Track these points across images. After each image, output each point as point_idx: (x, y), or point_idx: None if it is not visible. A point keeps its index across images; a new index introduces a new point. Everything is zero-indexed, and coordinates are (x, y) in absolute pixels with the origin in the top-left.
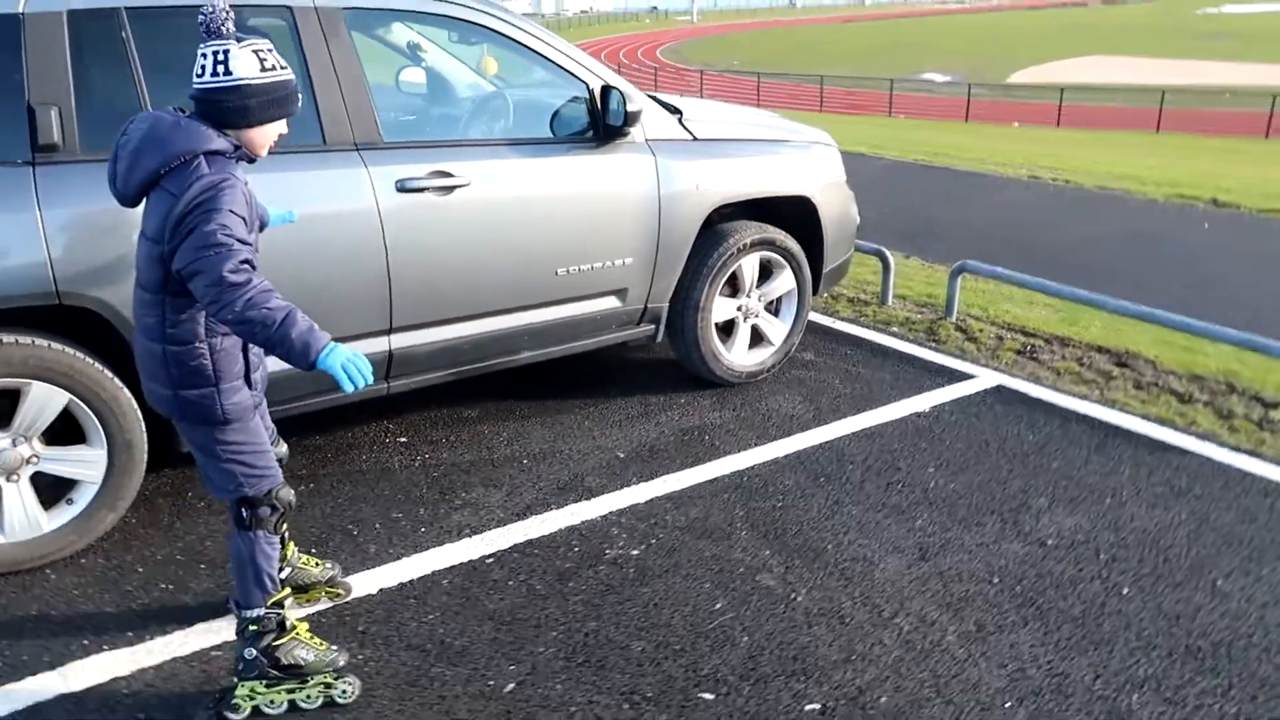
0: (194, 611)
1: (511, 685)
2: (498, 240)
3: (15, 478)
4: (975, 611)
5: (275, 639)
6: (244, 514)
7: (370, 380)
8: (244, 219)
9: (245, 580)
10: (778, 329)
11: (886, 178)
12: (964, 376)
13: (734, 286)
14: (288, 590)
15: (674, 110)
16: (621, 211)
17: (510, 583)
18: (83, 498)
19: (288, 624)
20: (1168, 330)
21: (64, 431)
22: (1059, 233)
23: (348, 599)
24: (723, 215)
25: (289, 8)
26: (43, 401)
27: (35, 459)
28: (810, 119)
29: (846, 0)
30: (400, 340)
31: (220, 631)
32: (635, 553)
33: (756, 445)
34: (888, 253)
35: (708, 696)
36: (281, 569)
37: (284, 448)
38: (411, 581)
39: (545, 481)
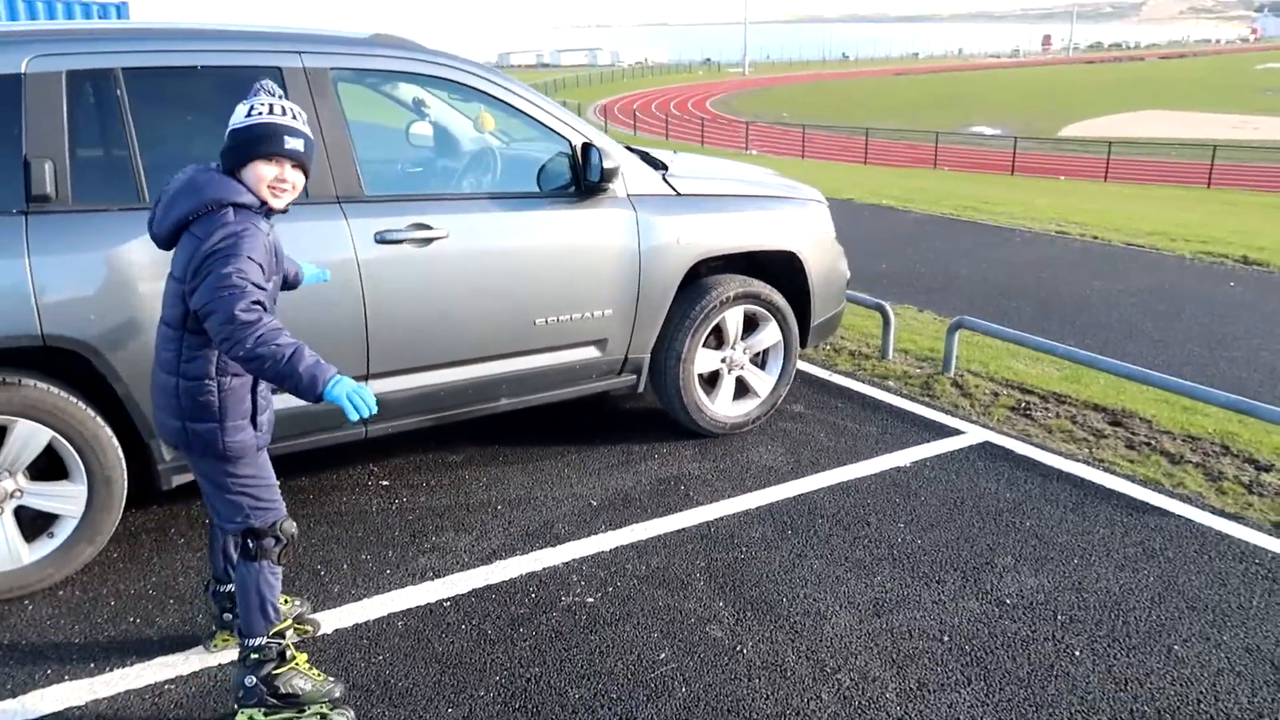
0: (155, 645)
1: None
2: (475, 290)
3: None
4: (919, 669)
5: (275, 668)
6: (250, 545)
7: (374, 410)
8: (261, 266)
9: (249, 609)
10: (763, 381)
11: (911, 231)
12: (952, 432)
13: (720, 339)
14: (289, 621)
15: (660, 166)
16: (600, 264)
17: (463, 626)
18: (62, 531)
19: (288, 654)
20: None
21: (48, 467)
22: (1079, 288)
23: (315, 635)
24: (711, 269)
25: (279, 68)
26: (26, 438)
27: (19, 493)
28: (854, 171)
29: (899, 53)
30: (377, 386)
31: (176, 666)
32: (590, 600)
33: (731, 496)
34: (889, 307)
35: None
36: None
37: None
38: (367, 623)
39: (515, 527)
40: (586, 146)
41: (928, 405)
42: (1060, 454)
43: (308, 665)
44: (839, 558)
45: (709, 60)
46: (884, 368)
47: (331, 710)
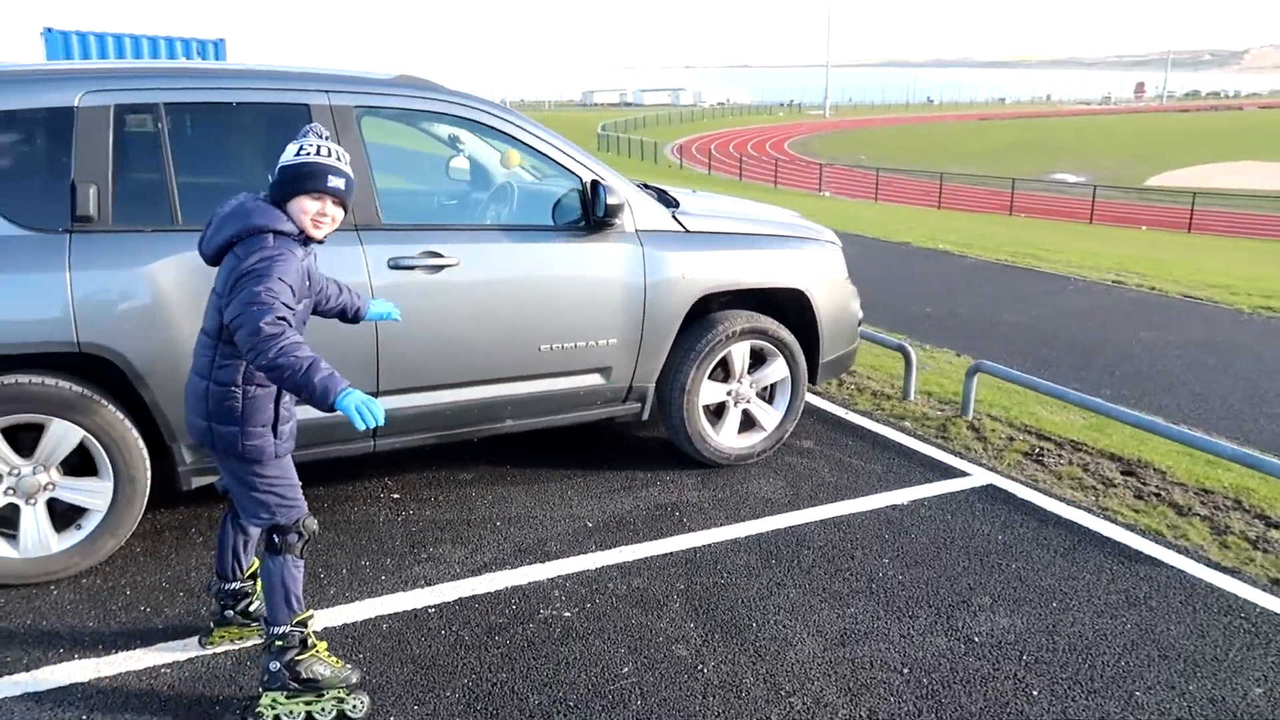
0: (160, 633)
1: None
2: (482, 316)
3: (33, 501)
4: (873, 698)
5: (298, 654)
6: (275, 540)
7: (381, 421)
8: (292, 287)
9: (274, 599)
10: (770, 415)
11: (965, 276)
12: (957, 474)
13: (727, 372)
14: (311, 611)
15: (672, 203)
16: (605, 295)
17: (443, 632)
18: (89, 524)
19: (309, 642)
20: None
21: (78, 464)
22: (1125, 338)
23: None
24: (721, 304)
25: (307, 105)
26: (60, 436)
27: (52, 486)
28: (923, 215)
29: (985, 98)
30: (386, 402)
31: (174, 652)
32: (567, 614)
33: (723, 525)
34: (910, 349)
35: None
36: (251, 601)
37: None
38: (355, 623)
39: (509, 543)
40: (595, 183)
41: (939, 447)
42: (1064, 500)
43: (327, 653)
44: (817, 588)
45: (791, 102)
46: (903, 408)
47: (349, 695)
